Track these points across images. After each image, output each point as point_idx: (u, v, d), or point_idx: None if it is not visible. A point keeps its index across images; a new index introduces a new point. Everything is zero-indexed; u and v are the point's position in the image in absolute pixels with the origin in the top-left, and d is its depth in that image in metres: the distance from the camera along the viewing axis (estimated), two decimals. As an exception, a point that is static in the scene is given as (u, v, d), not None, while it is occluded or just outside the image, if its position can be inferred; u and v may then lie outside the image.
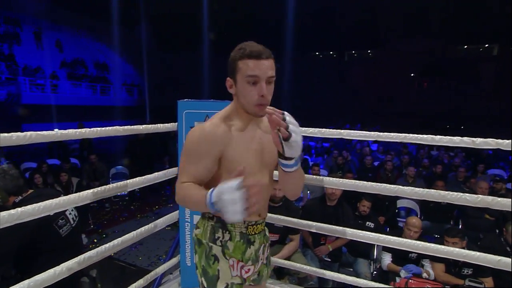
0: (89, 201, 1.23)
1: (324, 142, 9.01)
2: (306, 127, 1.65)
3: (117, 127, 1.37)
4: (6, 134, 0.96)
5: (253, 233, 1.11)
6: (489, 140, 1.37)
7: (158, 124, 1.56)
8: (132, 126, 1.44)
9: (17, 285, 1.04)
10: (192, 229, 1.87)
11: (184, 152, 1.03)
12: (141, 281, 1.59)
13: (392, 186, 1.49)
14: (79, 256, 1.33)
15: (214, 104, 1.93)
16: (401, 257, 2.66)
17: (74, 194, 1.22)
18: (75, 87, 15.73)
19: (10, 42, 14.58)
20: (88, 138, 7.61)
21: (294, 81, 17.36)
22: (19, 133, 1.00)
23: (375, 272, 2.92)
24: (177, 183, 1.02)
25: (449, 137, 1.43)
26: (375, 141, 8.29)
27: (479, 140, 1.37)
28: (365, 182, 1.58)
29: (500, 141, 1.35)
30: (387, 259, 2.69)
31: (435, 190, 1.46)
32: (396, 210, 4.47)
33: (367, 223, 3.20)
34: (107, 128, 1.30)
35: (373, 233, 1.66)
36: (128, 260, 3.63)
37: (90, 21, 16.06)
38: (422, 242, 1.54)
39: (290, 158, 0.94)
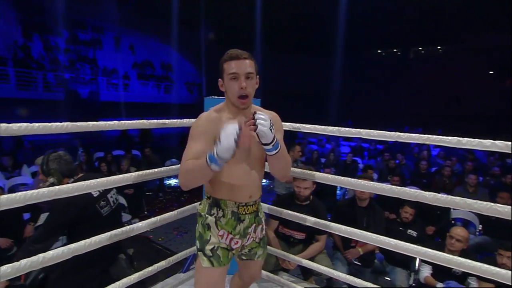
0: (113, 185, 1.41)
1: (378, 144, 8.53)
2: (364, 128, 1.57)
3: (144, 121, 1.52)
4: (46, 124, 1.15)
5: (244, 213, 1.30)
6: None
7: (185, 119, 1.69)
8: (162, 120, 1.59)
9: (52, 250, 1.24)
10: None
11: (188, 140, 1.21)
12: (163, 263, 1.76)
13: (407, 189, 1.41)
14: (107, 233, 1.52)
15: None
16: (443, 271, 2.43)
17: (101, 178, 1.41)
18: (143, 86, 17.29)
19: (94, 47, 16.68)
20: (147, 133, 8.38)
21: (353, 80, 16.66)
22: (57, 123, 1.20)
23: (413, 285, 2.73)
24: (180, 167, 1.19)
25: (478, 140, 1.30)
26: (437, 146, 7.60)
27: (501, 143, 1.23)
28: (383, 184, 1.51)
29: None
30: (425, 271, 2.50)
31: (460, 198, 1.33)
32: (453, 222, 4.08)
33: (409, 231, 3.00)
34: (136, 121, 1.47)
35: (402, 242, 1.52)
36: (172, 247, 3.93)
37: (159, 25, 17.42)
38: (456, 257, 1.40)
39: (266, 144, 1.13)
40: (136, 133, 9.21)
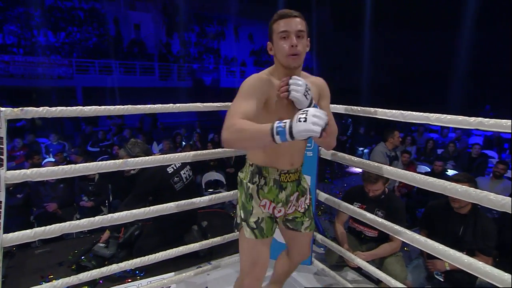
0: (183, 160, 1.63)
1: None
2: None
3: (198, 104, 1.64)
4: (106, 107, 1.39)
5: (285, 180, 1.29)
6: None
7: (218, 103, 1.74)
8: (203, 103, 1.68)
9: (133, 211, 1.55)
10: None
11: (236, 97, 1.12)
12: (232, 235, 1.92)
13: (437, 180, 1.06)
14: (173, 202, 1.72)
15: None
16: None
17: (171, 154, 1.65)
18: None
19: (219, 39, 18.56)
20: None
21: (490, 58, 13.18)
22: (118, 106, 1.43)
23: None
24: (228, 122, 1.01)
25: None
26: None
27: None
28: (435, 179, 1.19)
29: None
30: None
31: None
32: None
33: None
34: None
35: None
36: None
37: (273, 12, 17.88)
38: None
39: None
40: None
